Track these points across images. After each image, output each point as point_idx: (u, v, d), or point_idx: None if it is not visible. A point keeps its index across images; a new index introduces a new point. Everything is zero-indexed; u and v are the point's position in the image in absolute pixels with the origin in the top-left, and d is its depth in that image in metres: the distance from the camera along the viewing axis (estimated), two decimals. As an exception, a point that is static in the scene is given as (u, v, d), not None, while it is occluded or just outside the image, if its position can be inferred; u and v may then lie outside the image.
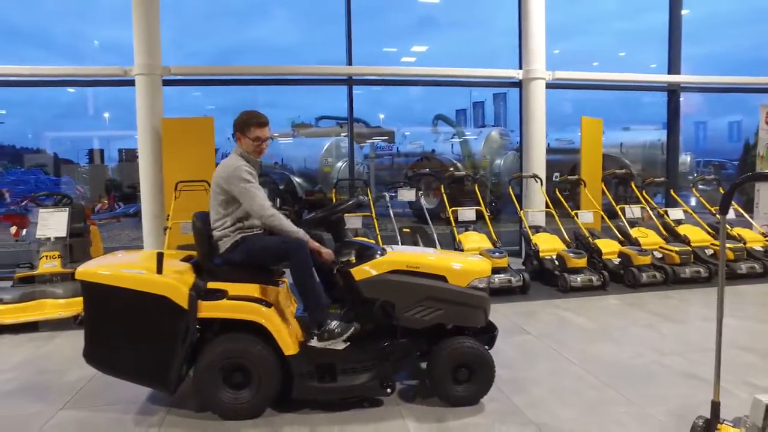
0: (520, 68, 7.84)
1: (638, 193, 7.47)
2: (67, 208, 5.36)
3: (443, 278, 3.16)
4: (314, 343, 2.99)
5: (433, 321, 3.11)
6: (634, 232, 6.77)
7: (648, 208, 7.32)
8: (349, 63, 7.84)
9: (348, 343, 3.04)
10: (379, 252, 3.23)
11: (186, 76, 7.48)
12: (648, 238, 6.68)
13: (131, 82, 6.89)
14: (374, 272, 3.11)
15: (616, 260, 6.31)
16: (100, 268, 3.03)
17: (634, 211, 7.27)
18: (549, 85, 7.83)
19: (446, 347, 3.08)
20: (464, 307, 3.15)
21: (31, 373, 3.77)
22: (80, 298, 3.16)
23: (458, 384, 3.09)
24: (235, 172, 3.12)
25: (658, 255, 6.44)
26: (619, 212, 7.11)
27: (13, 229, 8.65)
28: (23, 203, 12.14)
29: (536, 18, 7.64)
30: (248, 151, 3.27)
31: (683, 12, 8.76)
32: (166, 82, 7.12)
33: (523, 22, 7.78)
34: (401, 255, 3.26)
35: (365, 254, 3.22)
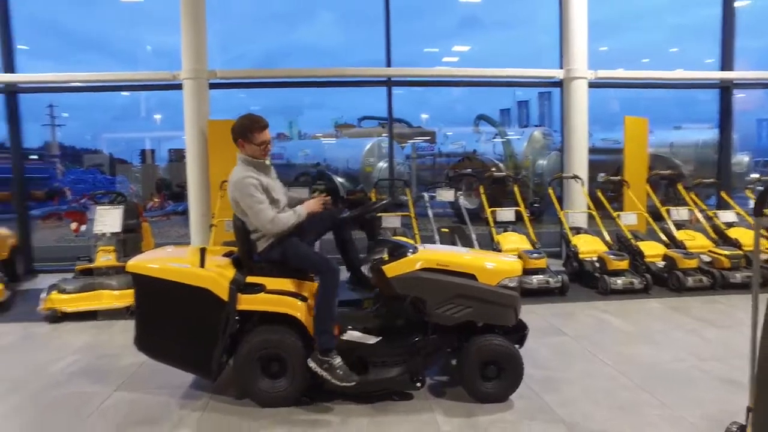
0: (561, 68, 7.73)
1: (685, 195, 7.24)
2: (122, 206, 5.70)
3: (473, 276, 3.21)
4: (310, 362, 3.03)
5: (463, 318, 3.17)
6: (680, 235, 6.57)
7: (696, 210, 7.08)
8: (388, 65, 7.94)
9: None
10: (410, 250, 3.31)
11: (231, 80, 7.78)
12: (695, 241, 6.47)
13: (180, 86, 7.23)
14: (405, 270, 3.19)
15: (661, 263, 6.15)
16: (149, 262, 3.25)
17: (680, 213, 7.05)
18: (591, 85, 7.68)
19: (475, 344, 3.14)
20: (494, 305, 3.19)
21: (91, 357, 4.08)
22: (132, 290, 3.39)
23: (487, 381, 3.14)
24: (242, 189, 3.13)
25: (707, 259, 6.23)
26: (665, 214, 6.92)
27: (74, 225, 9.22)
28: (82, 201, 12.91)
29: (578, 16, 7.51)
30: (254, 156, 3.26)
31: (740, 4, 8.38)
32: (212, 86, 7.42)
33: (564, 20, 7.66)
34: (432, 253, 3.33)
35: (397, 252, 3.31)
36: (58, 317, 4.99)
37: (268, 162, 3.39)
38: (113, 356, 4.06)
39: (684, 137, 14.23)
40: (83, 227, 9.20)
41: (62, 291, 5.07)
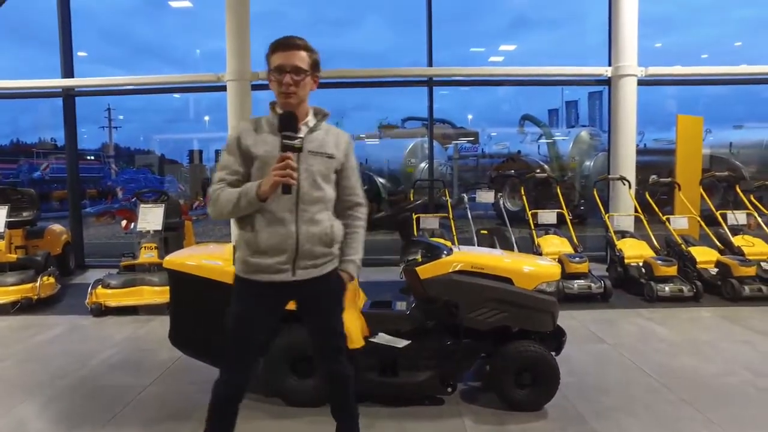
0: (610, 65, 7.44)
1: (744, 198, 6.82)
2: (163, 204, 5.86)
3: (509, 280, 3.10)
4: None
5: (497, 323, 3.06)
6: (737, 241, 6.20)
7: (756, 215, 6.66)
8: (430, 64, 7.87)
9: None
10: (445, 252, 3.22)
11: (274, 81, 7.87)
12: (754, 247, 6.08)
13: (224, 88, 7.38)
14: (439, 272, 3.11)
15: (713, 270, 5.80)
16: (184, 258, 3.30)
17: (738, 217, 6.65)
18: (641, 82, 7.36)
19: (509, 350, 3.03)
20: (530, 310, 3.07)
21: (130, 351, 4.20)
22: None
23: (520, 388, 3.02)
24: None
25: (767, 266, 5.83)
26: (719, 218, 6.53)
27: (124, 223, 9.60)
28: (133, 200, 13.46)
29: (628, 10, 7.21)
30: (277, 99, 2.09)
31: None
32: (256, 87, 7.54)
33: (613, 15, 7.38)
34: (467, 255, 3.23)
35: (431, 253, 3.23)
36: (102, 311, 5.18)
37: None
38: (151, 351, 4.17)
39: (746, 137, 13.53)
40: (132, 225, 9.57)
41: (106, 286, 5.26)
